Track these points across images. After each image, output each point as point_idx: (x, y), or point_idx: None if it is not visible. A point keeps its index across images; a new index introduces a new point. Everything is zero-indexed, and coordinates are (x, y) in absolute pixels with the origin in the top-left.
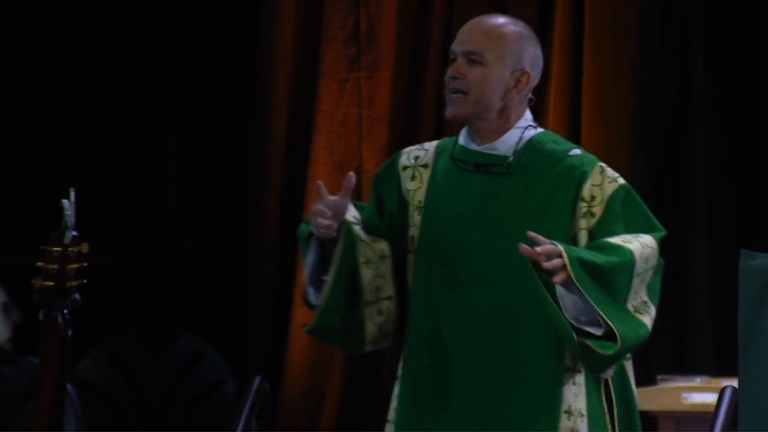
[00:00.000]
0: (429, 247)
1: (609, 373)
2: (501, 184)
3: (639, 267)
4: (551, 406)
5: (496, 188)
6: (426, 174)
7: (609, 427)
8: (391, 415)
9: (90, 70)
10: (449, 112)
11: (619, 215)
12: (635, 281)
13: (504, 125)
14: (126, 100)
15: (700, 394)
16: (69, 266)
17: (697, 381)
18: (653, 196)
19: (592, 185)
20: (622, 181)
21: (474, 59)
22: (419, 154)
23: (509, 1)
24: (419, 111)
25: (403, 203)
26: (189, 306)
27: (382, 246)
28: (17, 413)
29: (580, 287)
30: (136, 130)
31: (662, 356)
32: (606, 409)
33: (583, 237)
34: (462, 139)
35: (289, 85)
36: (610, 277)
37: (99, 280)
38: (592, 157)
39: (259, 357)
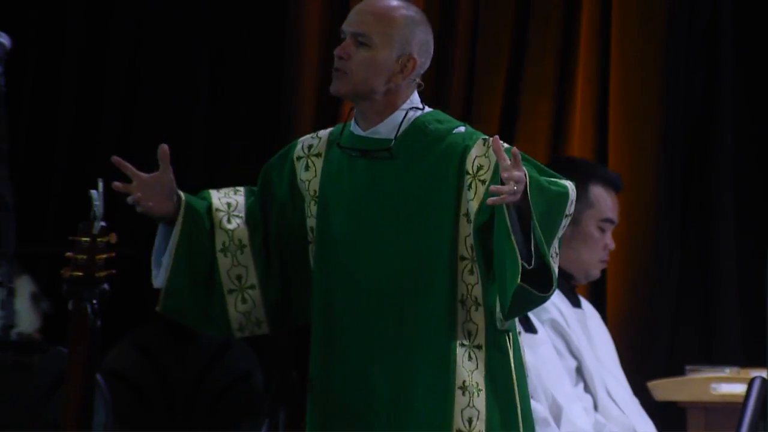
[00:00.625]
0: (324, 237)
1: (507, 325)
2: (384, 169)
3: (569, 208)
4: (444, 383)
5: (380, 173)
6: (319, 163)
7: (516, 399)
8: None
9: (117, 60)
10: (332, 88)
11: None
12: (564, 221)
13: (388, 109)
14: (152, 90)
15: (729, 385)
16: (98, 256)
17: (726, 372)
18: (681, 188)
19: (476, 156)
20: (506, 145)
21: (361, 41)
22: (312, 142)
23: None
24: (446, 100)
25: (297, 194)
26: None
27: (242, 234)
28: (47, 403)
29: (533, 211)
30: (163, 119)
31: (691, 347)
32: (514, 382)
33: (473, 207)
34: (351, 125)
35: (315, 76)
36: (551, 207)
37: (127, 270)
38: (475, 132)
39: (288, 348)
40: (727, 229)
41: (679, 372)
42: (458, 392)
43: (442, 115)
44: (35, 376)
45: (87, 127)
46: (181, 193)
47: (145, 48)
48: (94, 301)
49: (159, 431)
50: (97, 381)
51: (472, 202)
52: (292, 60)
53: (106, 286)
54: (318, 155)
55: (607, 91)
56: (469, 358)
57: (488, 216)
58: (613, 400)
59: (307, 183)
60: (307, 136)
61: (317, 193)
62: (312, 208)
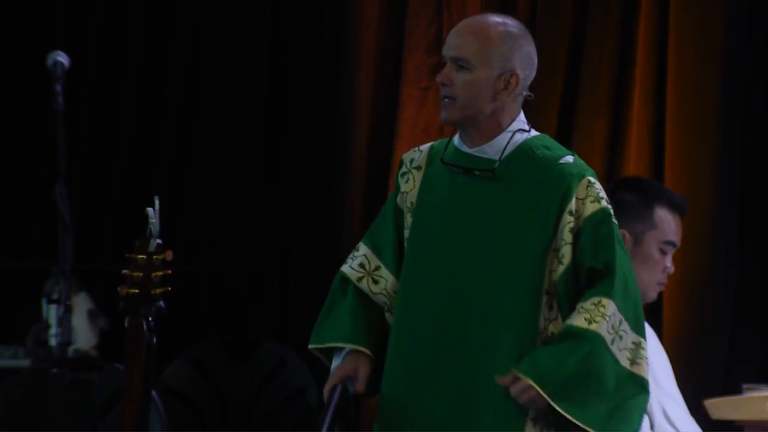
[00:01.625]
0: (414, 247)
1: None
2: (485, 189)
3: (608, 338)
4: (520, 410)
5: (480, 192)
6: (419, 176)
7: None
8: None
9: (175, 78)
10: (442, 117)
11: (589, 241)
12: (614, 348)
13: (496, 128)
14: (210, 108)
15: None
16: (154, 274)
17: None
18: (738, 205)
19: (577, 199)
20: (604, 203)
21: (461, 65)
22: (414, 156)
23: (594, 5)
24: None
25: (397, 208)
26: (272, 313)
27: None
28: (103, 420)
29: (561, 411)
30: (220, 138)
31: (748, 365)
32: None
33: (567, 252)
34: (456, 140)
35: (371, 93)
36: (586, 376)
37: (183, 288)
38: (583, 167)
39: None
40: None
41: (736, 390)
42: (529, 423)
43: (549, 140)
44: (92, 393)
45: (145, 145)
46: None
47: (204, 67)
48: (150, 318)
49: None
50: (153, 398)
51: (567, 246)
52: (348, 78)
53: (161, 303)
54: (418, 168)
55: (664, 108)
56: None
57: (568, 271)
58: (670, 422)
59: (406, 195)
60: (410, 151)
61: (414, 205)
62: (408, 220)
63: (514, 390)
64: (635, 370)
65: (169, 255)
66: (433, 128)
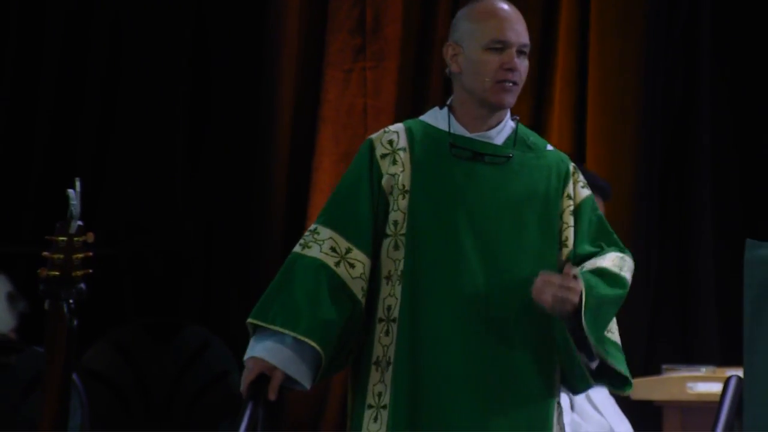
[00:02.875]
0: (420, 231)
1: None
2: (495, 174)
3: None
4: (550, 398)
5: (491, 177)
6: (406, 157)
7: None
8: (375, 400)
9: (96, 60)
10: (504, 100)
11: (586, 225)
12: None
13: (505, 112)
14: (132, 90)
15: (706, 384)
16: (75, 256)
17: (703, 371)
18: (659, 187)
19: (573, 183)
20: (588, 189)
21: (524, 51)
22: (391, 137)
23: None
24: (425, 101)
25: (381, 191)
26: (194, 296)
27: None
28: (23, 403)
29: (585, 326)
30: (143, 119)
31: (668, 346)
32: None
33: (570, 235)
34: (441, 123)
35: (294, 76)
36: (607, 309)
37: (105, 270)
38: (562, 153)
39: None
40: (704, 229)
41: (656, 371)
42: (556, 427)
43: (524, 126)
44: (12, 376)
45: (66, 126)
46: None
47: (125, 49)
48: (71, 301)
49: (136, 431)
50: (74, 381)
51: (570, 229)
52: (271, 61)
53: (82, 285)
54: (404, 149)
55: (586, 92)
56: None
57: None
58: (590, 400)
59: (395, 177)
60: (377, 133)
61: (406, 187)
62: (400, 202)
63: (566, 284)
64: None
65: (90, 237)
66: (356, 110)
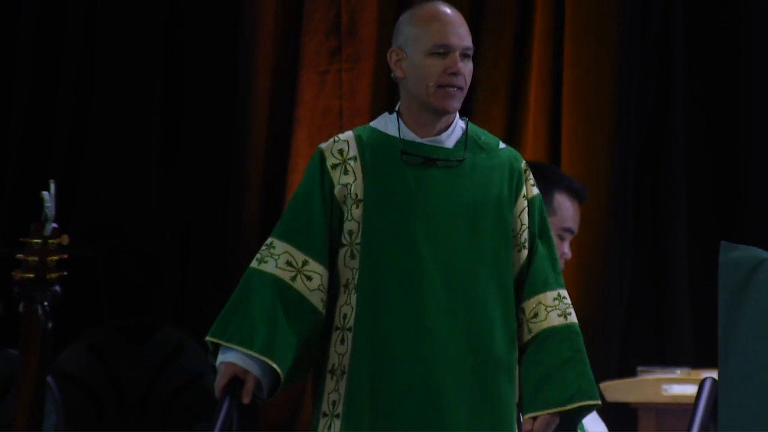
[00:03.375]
0: (375, 240)
1: None
2: (448, 177)
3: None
4: (510, 403)
5: (444, 181)
6: (357, 166)
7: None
8: (330, 408)
9: (70, 61)
10: (448, 105)
11: (538, 226)
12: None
13: (453, 117)
14: (106, 92)
15: (680, 386)
16: (49, 258)
17: (677, 372)
18: (633, 189)
19: (526, 181)
20: (537, 188)
21: (467, 54)
22: (342, 147)
23: None
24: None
25: (335, 201)
26: (169, 298)
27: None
28: None
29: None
30: (117, 121)
31: (642, 348)
32: None
33: (527, 236)
34: (391, 129)
35: (270, 77)
36: (573, 367)
37: (79, 272)
38: (515, 151)
39: None
40: (679, 231)
41: (631, 373)
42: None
43: (474, 125)
44: None
45: (40, 128)
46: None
47: (99, 50)
48: (46, 303)
49: None
50: (48, 383)
51: (525, 229)
52: (247, 62)
53: (57, 287)
54: (354, 158)
55: (560, 94)
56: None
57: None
58: None
59: (347, 186)
60: (327, 143)
61: (359, 196)
62: (354, 211)
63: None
64: (573, 320)
65: (64, 239)
66: (331, 112)
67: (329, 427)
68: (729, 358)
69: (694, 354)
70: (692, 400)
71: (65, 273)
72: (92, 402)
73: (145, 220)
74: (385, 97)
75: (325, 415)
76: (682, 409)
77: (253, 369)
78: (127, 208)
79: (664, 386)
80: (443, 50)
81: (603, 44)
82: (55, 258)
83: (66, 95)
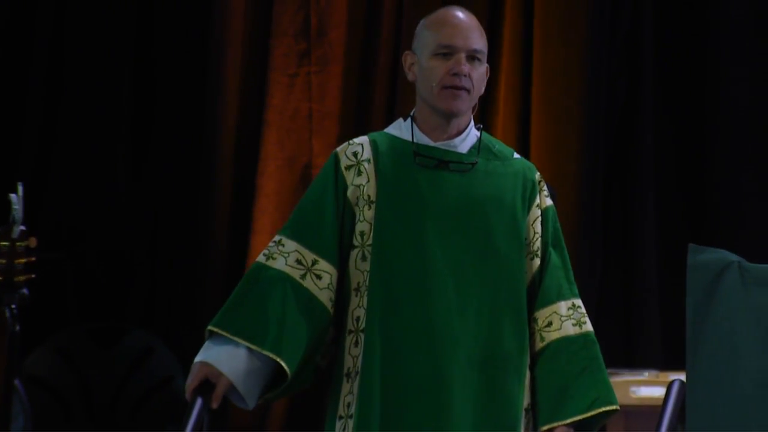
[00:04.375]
0: (387, 241)
1: None
2: (461, 181)
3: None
4: (517, 404)
5: (457, 185)
6: (371, 169)
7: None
8: (345, 410)
9: (39, 64)
10: (452, 106)
11: (552, 236)
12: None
13: (468, 121)
14: (75, 93)
15: (649, 388)
16: (17, 261)
17: (646, 375)
18: (603, 192)
19: (540, 191)
20: (551, 198)
21: (477, 57)
22: (356, 150)
23: None
24: (370, 105)
25: (347, 203)
26: (138, 301)
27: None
28: None
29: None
30: (85, 123)
31: (611, 350)
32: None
33: (540, 245)
34: (405, 133)
35: (239, 80)
36: (592, 377)
37: (48, 275)
38: (527, 161)
39: None
40: (647, 233)
41: None
42: (523, 413)
43: (489, 135)
44: None
45: (8, 129)
46: (284, 366)
47: (68, 53)
48: (13, 306)
49: None
50: (16, 386)
51: (538, 237)
52: (216, 65)
53: (25, 290)
54: (368, 161)
55: (530, 97)
56: (527, 380)
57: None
58: None
59: (360, 188)
60: (342, 146)
61: (372, 198)
62: (366, 213)
63: None
64: (588, 328)
65: (32, 242)
66: (301, 115)
67: (344, 429)
68: (697, 359)
69: (662, 356)
70: (660, 402)
71: (33, 276)
72: (60, 405)
73: (114, 222)
74: (355, 100)
75: (340, 417)
76: (651, 411)
77: (234, 372)
78: (96, 211)
79: (633, 388)
80: (447, 51)
81: (572, 47)
82: (23, 261)
83: (35, 97)
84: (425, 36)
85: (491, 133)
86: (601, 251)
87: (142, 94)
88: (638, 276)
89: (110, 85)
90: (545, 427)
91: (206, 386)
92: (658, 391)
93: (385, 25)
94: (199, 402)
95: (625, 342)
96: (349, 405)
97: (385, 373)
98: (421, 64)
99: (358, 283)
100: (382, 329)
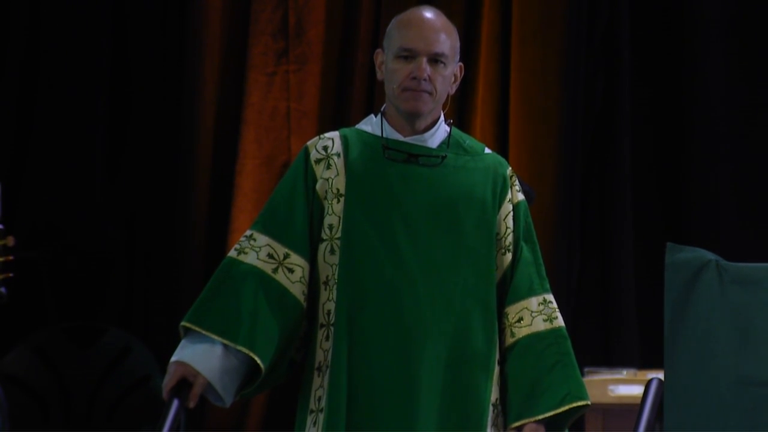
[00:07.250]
0: (355, 234)
1: None
2: (430, 175)
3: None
4: (484, 400)
5: (426, 179)
6: (340, 162)
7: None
8: (316, 404)
9: (14, 63)
10: (412, 107)
11: (523, 231)
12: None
13: (437, 118)
14: (51, 92)
15: (627, 387)
16: None
17: (624, 373)
18: (580, 191)
19: (511, 186)
20: (522, 194)
21: (441, 60)
22: (326, 143)
23: None
24: (348, 104)
25: (316, 196)
26: (116, 300)
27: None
28: None
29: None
30: (62, 122)
31: (589, 349)
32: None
33: (512, 239)
34: (375, 128)
35: (217, 79)
36: (569, 365)
37: (25, 274)
38: (500, 156)
39: None
40: (625, 232)
41: None
42: (491, 408)
43: (459, 131)
44: None
45: None
46: (258, 361)
47: (44, 51)
48: None
49: None
50: None
51: (510, 233)
52: (194, 64)
53: (2, 289)
54: (338, 155)
55: (508, 97)
56: (495, 375)
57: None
58: None
59: (329, 181)
60: (312, 140)
61: (341, 191)
62: (334, 206)
63: None
64: (560, 324)
65: (10, 241)
66: (279, 113)
67: (315, 423)
68: (674, 358)
69: (640, 355)
70: (638, 401)
71: (11, 275)
72: (37, 404)
73: (91, 221)
74: (334, 99)
75: (312, 411)
76: (629, 410)
77: (210, 371)
78: (73, 210)
79: (611, 387)
80: (407, 54)
81: (550, 47)
82: (1, 260)
83: (10, 95)
84: (392, 36)
85: (469, 133)
86: (578, 250)
87: (119, 92)
88: (616, 275)
89: (87, 84)
90: (516, 424)
91: (183, 386)
92: (636, 390)
93: (363, 24)
94: (175, 402)
95: (603, 341)
96: (319, 399)
97: (353, 367)
98: (386, 63)
99: (327, 277)
100: (351, 323)
